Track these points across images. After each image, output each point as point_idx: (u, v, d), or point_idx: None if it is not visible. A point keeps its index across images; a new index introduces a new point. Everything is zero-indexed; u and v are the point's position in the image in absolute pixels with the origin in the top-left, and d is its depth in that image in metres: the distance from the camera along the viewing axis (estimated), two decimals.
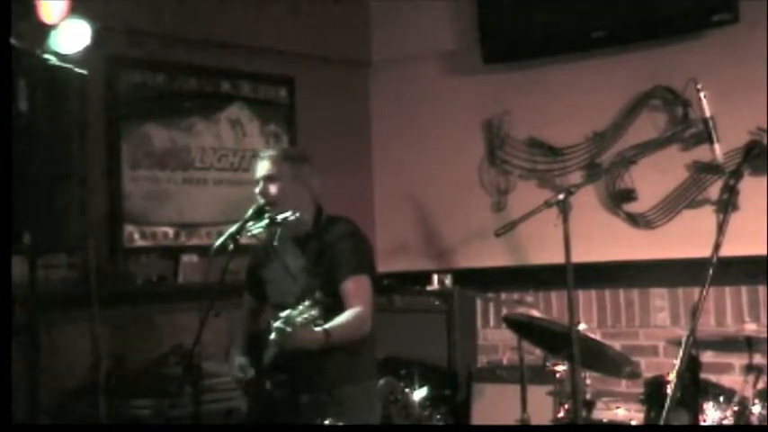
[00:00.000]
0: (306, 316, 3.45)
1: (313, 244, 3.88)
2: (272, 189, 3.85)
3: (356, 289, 3.77)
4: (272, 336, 3.46)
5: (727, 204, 3.35)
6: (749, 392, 3.92)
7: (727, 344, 4.20)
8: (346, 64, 6.30)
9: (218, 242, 3.72)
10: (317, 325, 3.50)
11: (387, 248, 6.06)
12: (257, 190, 3.87)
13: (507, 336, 5.01)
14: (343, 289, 3.76)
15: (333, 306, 3.70)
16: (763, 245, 4.93)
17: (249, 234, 3.87)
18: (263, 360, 3.79)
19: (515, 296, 5.72)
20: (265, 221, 3.82)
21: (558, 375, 4.50)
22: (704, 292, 3.22)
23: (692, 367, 3.63)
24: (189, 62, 5.51)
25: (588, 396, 4.39)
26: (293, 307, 3.49)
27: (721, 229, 3.24)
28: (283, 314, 3.45)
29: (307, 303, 3.47)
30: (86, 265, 4.68)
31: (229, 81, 5.70)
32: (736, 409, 3.91)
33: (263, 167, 3.90)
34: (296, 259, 3.91)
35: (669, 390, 3.33)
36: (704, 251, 3.28)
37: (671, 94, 5.39)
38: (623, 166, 5.53)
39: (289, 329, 3.41)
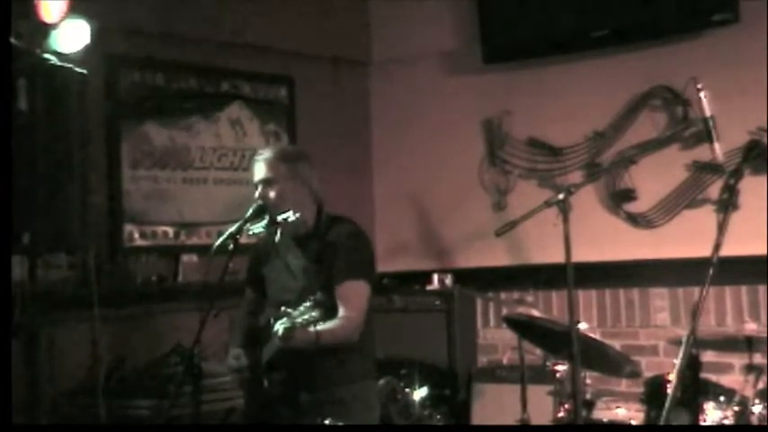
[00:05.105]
0: (306, 317, 3.45)
1: (313, 243, 3.87)
2: (271, 192, 3.83)
3: (350, 294, 3.76)
4: (278, 333, 3.46)
5: (727, 204, 3.35)
6: (749, 392, 3.92)
7: (728, 344, 4.20)
8: (346, 64, 6.30)
9: (218, 242, 3.72)
10: (315, 326, 3.50)
11: (387, 248, 6.06)
12: (256, 194, 3.86)
13: (507, 336, 5.01)
14: (337, 292, 3.75)
15: (333, 306, 3.71)
16: (763, 245, 4.93)
17: (250, 234, 3.87)
18: (262, 357, 3.79)
19: (515, 296, 5.71)
20: (265, 222, 3.81)
21: (558, 375, 4.49)
22: (704, 292, 3.22)
23: (692, 367, 3.64)
24: (189, 62, 5.51)
25: (588, 396, 4.39)
26: (292, 304, 3.50)
27: (721, 229, 3.24)
28: (285, 313, 3.46)
29: (308, 304, 3.47)
30: (86, 265, 4.67)
31: (229, 81, 5.70)
32: (736, 408, 3.91)
33: (259, 171, 3.88)
34: (296, 258, 3.91)
35: (669, 389, 3.34)
36: (704, 251, 3.28)
37: (671, 94, 5.39)
38: (623, 165, 5.53)
39: (288, 326, 3.42)
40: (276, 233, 3.94)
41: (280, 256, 3.96)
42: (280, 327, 3.46)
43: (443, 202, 6.18)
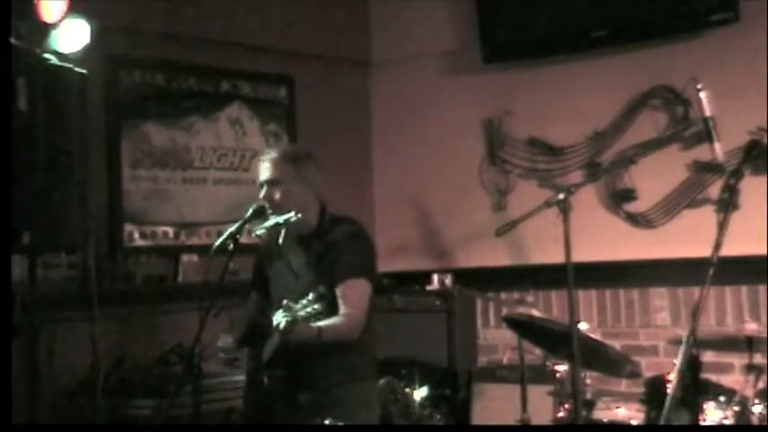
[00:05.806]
0: (308, 310, 3.45)
1: (316, 244, 3.88)
2: (276, 193, 3.82)
3: (351, 292, 3.76)
4: (279, 326, 3.45)
5: (727, 204, 3.36)
6: (749, 392, 3.92)
7: (728, 344, 4.20)
8: (346, 64, 6.30)
9: (218, 242, 3.72)
10: (317, 320, 3.50)
11: (387, 248, 6.03)
12: (261, 195, 3.86)
13: (507, 336, 5.01)
14: (339, 290, 3.75)
15: (335, 301, 3.71)
16: (763, 245, 4.93)
17: (253, 235, 3.88)
18: (263, 355, 3.79)
19: (515, 296, 5.71)
20: (268, 223, 3.82)
21: (558, 375, 4.50)
22: (704, 292, 3.22)
23: (692, 367, 3.64)
24: (189, 62, 5.51)
25: (588, 396, 4.39)
26: (295, 303, 3.50)
27: (721, 228, 3.24)
28: (287, 307, 3.45)
29: (310, 297, 3.47)
30: (86, 265, 4.68)
31: (229, 80, 5.70)
32: (736, 408, 3.90)
33: (264, 171, 3.87)
34: (299, 258, 3.91)
35: (669, 389, 3.34)
36: (704, 251, 3.29)
37: (671, 94, 5.39)
38: (623, 165, 5.54)
39: (289, 318, 3.42)
40: (280, 234, 3.95)
41: (283, 256, 3.96)
42: (282, 319, 3.45)
43: (443, 202, 6.18)
